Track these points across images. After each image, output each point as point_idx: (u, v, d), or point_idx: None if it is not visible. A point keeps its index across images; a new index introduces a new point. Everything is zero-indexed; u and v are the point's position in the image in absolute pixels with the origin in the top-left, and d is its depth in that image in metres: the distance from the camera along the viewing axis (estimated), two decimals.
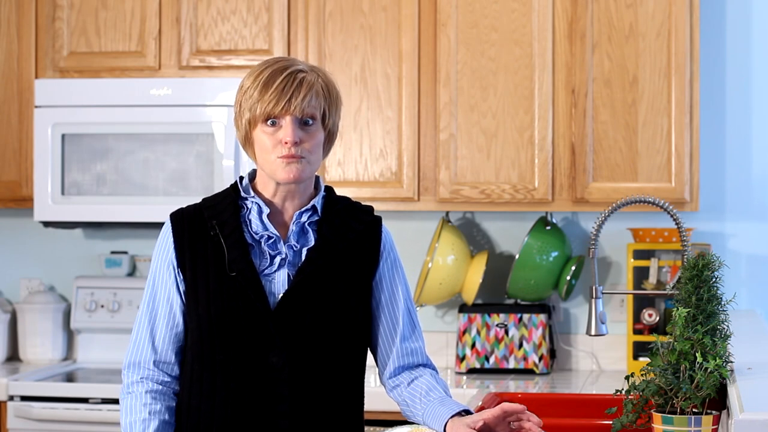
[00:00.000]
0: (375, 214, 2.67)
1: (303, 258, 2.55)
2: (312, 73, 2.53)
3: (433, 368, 2.67)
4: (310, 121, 2.51)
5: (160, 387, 2.57)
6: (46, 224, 4.43)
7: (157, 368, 2.57)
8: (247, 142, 2.56)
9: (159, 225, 2.75)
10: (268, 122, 2.50)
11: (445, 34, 4.19)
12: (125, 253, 4.69)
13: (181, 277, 2.56)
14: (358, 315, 2.60)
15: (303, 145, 2.50)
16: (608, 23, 4.12)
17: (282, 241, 2.55)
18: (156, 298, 2.58)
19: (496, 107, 4.17)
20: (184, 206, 2.63)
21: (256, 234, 2.55)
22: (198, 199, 2.67)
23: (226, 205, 2.57)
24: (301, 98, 2.48)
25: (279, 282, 2.54)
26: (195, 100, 4.25)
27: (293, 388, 2.52)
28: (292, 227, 2.56)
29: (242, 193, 2.58)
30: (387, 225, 2.70)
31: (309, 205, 2.58)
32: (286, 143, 2.49)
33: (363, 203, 2.69)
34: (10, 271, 4.81)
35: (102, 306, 4.62)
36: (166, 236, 2.59)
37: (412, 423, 2.59)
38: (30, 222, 4.71)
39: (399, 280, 2.65)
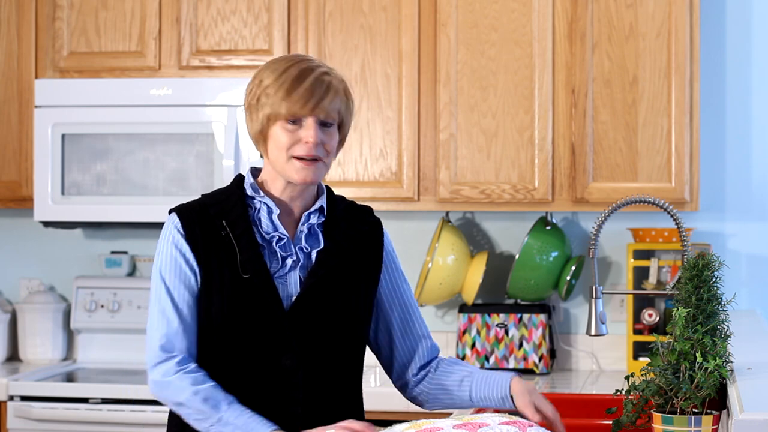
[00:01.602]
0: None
1: (313, 260, 2.54)
2: (336, 78, 2.52)
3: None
4: (331, 124, 2.51)
5: (192, 366, 2.48)
6: (46, 224, 4.43)
7: (187, 353, 2.48)
8: (261, 136, 2.52)
9: (159, 225, 2.73)
10: (290, 121, 2.49)
11: (445, 34, 4.19)
12: (125, 253, 4.69)
13: (196, 274, 2.49)
14: (366, 316, 2.61)
15: (324, 146, 2.49)
16: (608, 23, 4.12)
17: (292, 243, 2.54)
18: (171, 292, 2.49)
19: (496, 107, 4.17)
20: (183, 202, 2.57)
21: (267, 234, 2.53)
22: None
23: (234, 204, 2.53)
24: (328, 101, 2.47)
25: (291, 284, 2.52)
26: (195, 100, 4.25)
27: (307, 391, 2.51)
28: (302, 228, 2.55)
29: (250, 192, 2.56)
30: (387, 225, 2.71)
31: (317, 206, 2.56)
32: (307, 143, 2.47)
33: (361, 203, 2.68)
34: (10, 271, 4.81)
35: (102, 306, 4.61)
36: (175, 230, 2.51)
37: (410, 421, 2.59)
38: (30, 222, 4.71)
39: (402, 278, 2.68)
